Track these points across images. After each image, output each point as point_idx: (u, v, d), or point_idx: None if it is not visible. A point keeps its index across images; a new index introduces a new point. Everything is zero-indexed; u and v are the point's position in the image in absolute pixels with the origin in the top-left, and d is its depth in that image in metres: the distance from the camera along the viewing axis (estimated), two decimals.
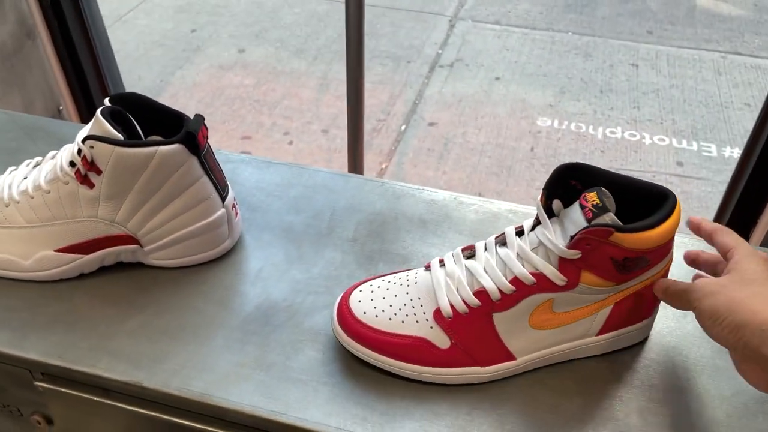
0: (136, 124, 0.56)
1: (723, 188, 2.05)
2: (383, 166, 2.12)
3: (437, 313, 0.49)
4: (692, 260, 0.53)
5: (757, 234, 1.05)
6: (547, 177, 0.47)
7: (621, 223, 0.45)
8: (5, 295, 0.57)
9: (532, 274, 0.47)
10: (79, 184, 0.54)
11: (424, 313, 0.50)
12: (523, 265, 0.47)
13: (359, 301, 0.51)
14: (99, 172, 0.53)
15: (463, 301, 0.49)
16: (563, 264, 0.46)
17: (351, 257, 0.62)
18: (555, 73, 2.67)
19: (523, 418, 0.49)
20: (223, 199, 0.59)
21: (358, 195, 0.68)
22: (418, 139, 2.24)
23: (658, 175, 2.08)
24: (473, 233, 0.64)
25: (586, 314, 0.49)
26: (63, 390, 0.54)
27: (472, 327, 0.49)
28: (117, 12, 3.04)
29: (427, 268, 0.52)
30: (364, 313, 0.51)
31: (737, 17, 2.98)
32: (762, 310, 0.40)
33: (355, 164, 1.27)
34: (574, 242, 0.45)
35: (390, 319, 0.50)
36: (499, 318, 0.48)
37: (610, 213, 0.45)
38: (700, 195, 2.02)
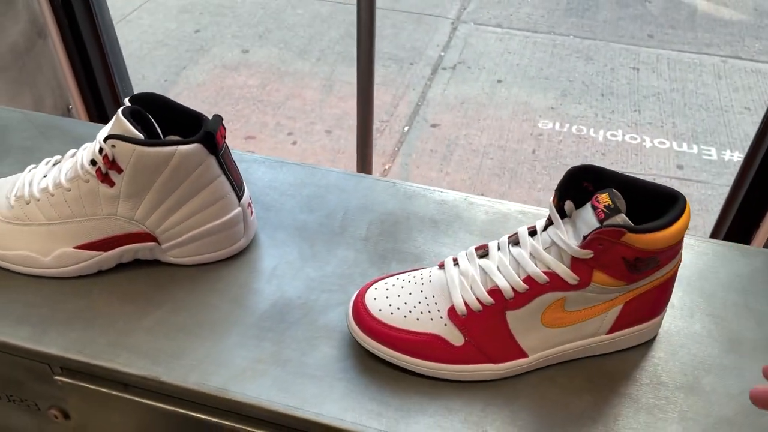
0: (155, 123, 0.57)
1: (723, 191, 2.07)
2: (386, 167, 2.13)
3: (451, 311, 0.50)
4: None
5: (759, 238, 1.06)
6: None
7: (632, 224, 0.46)
8: (25, 292, 0.58)
9: (545, 273, 0.48)
10: (100, 182, 0.55)
11: (439, 310, 0.51)
12: (536, 265, 0.48)
13: (374, 299, 0.52)
14: (120, 170, 0.54)
15: (477, 299, 0.50)
16: (575, 263, 0.47)
17: (364, 256, 0.63)
18: (556, 76, 2.68)
19: (535, 414, 0.50)
20: (240, 197, 0.60)
21: (370, 195, 0.70)
22: (420, 140, 2.26)
23: (658, 177, 2.10)
24: (484, 233, 0.65)
25: (597, 313, 0.50)
26: (82, 384, 0.55)
27: (486, 324, 0.50)
28: (121, 12, 3.05)
29: (441, 266, 0.54)
30: (380, 310, 0.52)
31: (738, 22, 2.99)
32: None
33: (364, 165, 1.28)
34: (586, 242, 0.46)
35: (405, 316, 0.51)
36: (512, 316, 0.50)
37: (622, 214, 0.46)
38: (700, 198, 2.03)
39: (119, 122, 0.54)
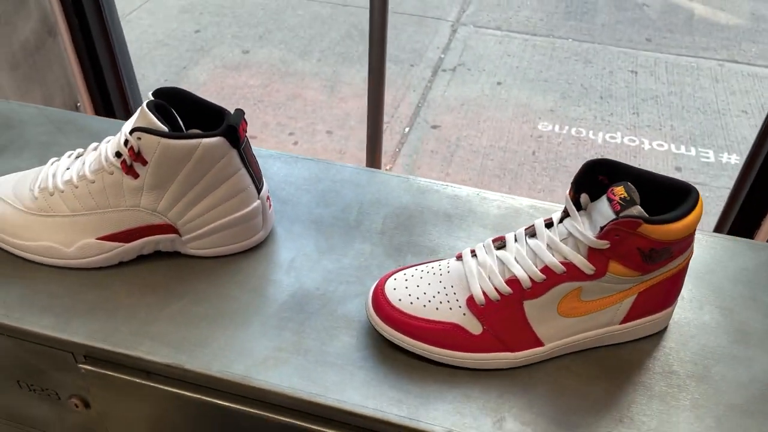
0: (178, 117, 0.58)
1: (721, 193, 2.09)
2: (388, 168, 2.14)
3: (470, 300, 0.52)
4: None
5: (762, 234, 1.07)
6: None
7: (648, 216, 0.47)
8: (48, 282, 0.59)
9: (562, 263, 0.49)
10: (124, 174, 0.56)
11: (457, 300, 0.52)
12: (553, 255, 0.50)
13: (394, 289, 0.54)
14: (144, 162, 0.55)
15: (495, 288, 0.51)
16: (592, 254, 0.49)
17: (380, 249, 0.64)
18: (556, 78, 2.70)
19: (551, 402, 0.51)
20: (259, 191, 0.61)
21: (384, 190, 0.71)
22: (421, 141, 2.27)
23: None
24: (497, 227, 0.66)
25: (612, 303, 0.51)
26: (105, 372, 0.56)
27: (504, 314, 0.51)
28: (121, 11, 3.04)
29: (459, 258, 0.55)
30: (399, 300, 0.53)
31: (734, 26, 3.03)
32: None
33: (372, 163, 1.29)
34: (603, 233, 0.47)
35: (424, 305, 0.53)
36: (529, 305, 0.51)
37: (638, 206, 0.47)
38: None
39: (144, 115, 0.55)
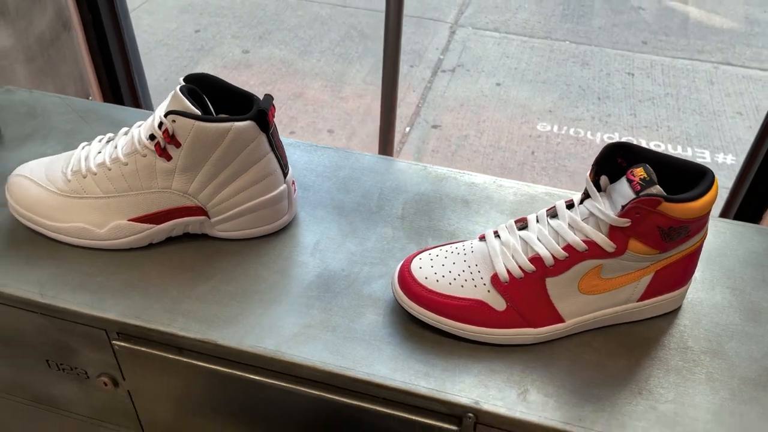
0: (208, 102, 0.60)
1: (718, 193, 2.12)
2: None
3: (494, 278, 0.54)
4: None
5: (765, 223, 1.10)
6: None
7: (667, 195, 0.50)
8: (80, 262, 0.61)
9: (584, 241, 0.51)
10: (157, 156, 0.58)
11: (482, 278, 0.54)
12: (575, 234, 0.52)
13: (420, 268, 0.56)
14: (178, 145, 0.57)
15: (519, 266, 0.53)
16: (613, 232, 0.51)
17: (401, 232, 0.66)
18: (554, 80, 2.73)
19: (572, 375, 0.53)
20: (285, 175, 0.63)
21: (403, 177, 0.73)
22: (422, 140, 2.29)
23: None
24: (514, 213, 0.68)
25: (630, 281, 0.54)
26: (139, 348, 0.57)
27: (527, 291, 0.53)
28: None
29: (482, 239, 0.57)
30: (426, 278, 0.55)
31: (729, 29, 3.07)
32: None
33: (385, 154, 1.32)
34: (625, 211, 0.49)
35: (450, 283, 0.54)
36: (551, 282, 0.53)
37: (657, 185, 0.49)
38: None
39: (177, 99, 0.57)
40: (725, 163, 2.24)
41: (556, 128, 2.40)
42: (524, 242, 0.54)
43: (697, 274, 0.62)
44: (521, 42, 2.98)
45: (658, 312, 0.57)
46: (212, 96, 0.61)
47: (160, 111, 0.58)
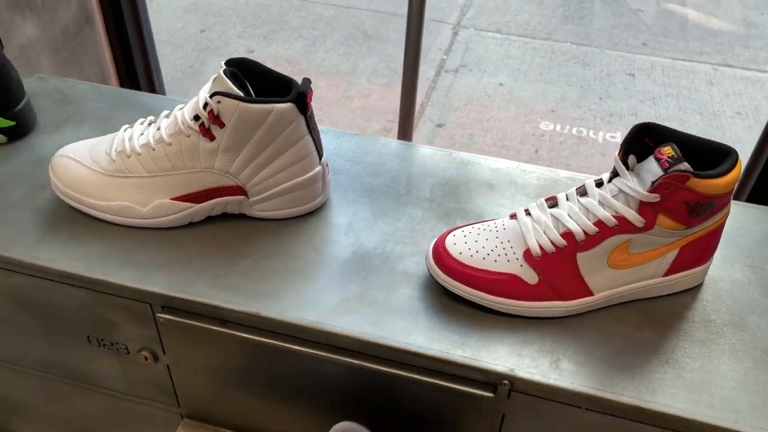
0: (248, 85, 0.62)
1: None
2: None
3: (527, 253, 0.56)
4: None
5: None
6: None
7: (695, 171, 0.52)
8: (123, 240, 0.63)
9: (614, 216, 0.54)
10: (201, 136, 0.60)
11: (514, 253, 0.57)
12: (605, 210, 0.54)
13: (454, 244, 0.58)
14: (222, 125, 0.59)
15: (551, 241, 0.55)
16: (642, 207, 0.53)
17: (430, 214, 0.68)
18: (555, 80, 2.77)
19: (602, 346, 0.56)
20: (320, 157, 0.65)
21: (429, 162, 0.75)
22: (427, 139, 2.32)
23: None
24: (538, 196, 0.71)
25: (657, 256, 0.56)
26: (183, 321, 0.59)
27: (558, 265, 0.56)
28: None
29: (512, 217, 0.59)
30: (460, 253, 0.57)
31: (727, 32, 3.12)
32: None
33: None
34: (655, 186, 0.52)
35: (484, 258, 0.57)
36: (581, 257, 0.55)
37: (685, 162, 0.52)
38: None
39: (221, 81, 0.59)
40: None
41: (558, 127, 2.43)
42: (555, 219, 0.56)
43: (717, 253, 0.64)
44: (523, 43, 3.02)
45: (681, 287, 0.59)
46: (251, 80, 0.63)
47: (203, 93, 0.60)
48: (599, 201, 0.55)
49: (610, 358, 0.55)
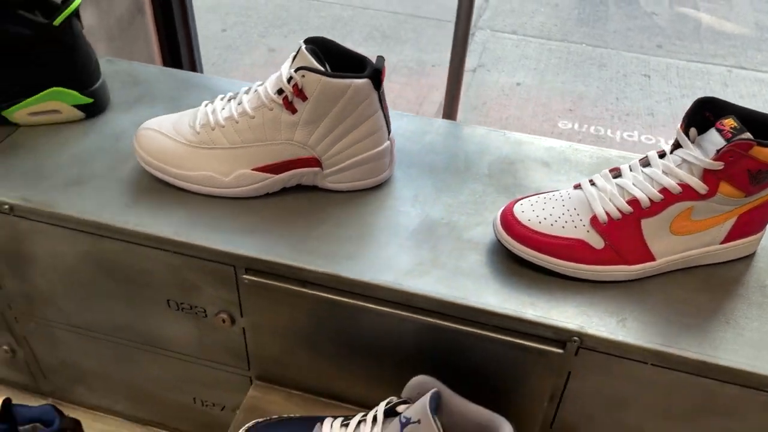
0: (325, 62, 0.66)
1: None
2: None
3: (593, 220, 0.60)
4: None
5: None
6: None
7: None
8: (206, 207, 0.67)
9: (678, 184, 0.57)
10: (284, 109, 0.64)
11: (581, 220, 0.60)
12: (669, 178, 0.58)
13: (522, 212, 0.61)
14: (305, 98, 0.63)
15: (617, 208, 0.59)
16: (706, 175, 0.57)
17: (491, 188, 0.72)
18: (572, 80, 2.81)
19: (664, 308, 0.59)
20: (389, 132, 0.69)
21: (485, 142, 0.79)
22: None
23: None
24: (592, 173, 0.74)
25: (716, 223, 0.60)
26: (266, 282, 0.63)
27: (623, 231, 0.59)
28: None
29: (577, 187, 0.63)
30: (529, 220, 0.61)
31: (740, 35, 3.15)
32: None
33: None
34: (720, 154, 0.55)
35: (552, 225, 0.60)
36: (645, 223, 0.59)
37: (747, 132, 0.56)
38: None
39: (303, 57, 0.63)
40: None
41: (576, 126, 2.47)
42: (620, 188, 0.60)
43: None
44: (539, 44, 3.06)
45: (737, 255, 0.63)
46: (327, 58, 0.67)
47: (285, 69, 0.64)
48: (663, 170, 0.59)
49: (674, 318, 0.58)
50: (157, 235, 0.64)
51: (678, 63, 2.92)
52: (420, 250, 0.64)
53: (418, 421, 0.56)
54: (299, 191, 0.70)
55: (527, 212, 0.61)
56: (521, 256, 0.61)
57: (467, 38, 1.17)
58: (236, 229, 0.65)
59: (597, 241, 0.60)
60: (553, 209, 0.61)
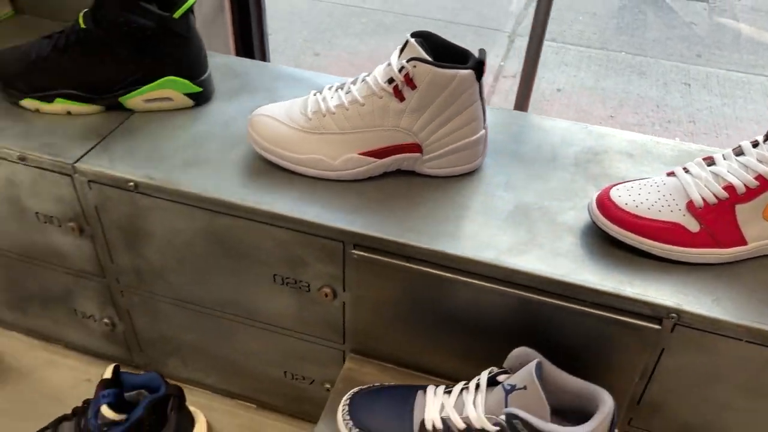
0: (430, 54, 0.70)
1: None
2: None
3: (690, 204, 0.63)
4: None
5: None
6: None
7: None
8: (316, 189, 0.71)
9: None
10: (393, 97, 0.68)
11: (677, 204, 0.64)
12: (765, 166, 0.61)
13: (619, 196, 0.65)
14: (414, 87, 0.67)
15: (713, 194, 0.62)
16: None
17: (578, 176, 0.76)
18: (612, 87, 2.83)
19: (757, 289, 0.62)
20: (484, 121, 0.73)
21: (568, 134, 0.83)
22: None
23: None
24: (676, 164, 0.77)
25: None
26: (373, 257, 0.67)
27: (718, 215, 0.63)
28: None
29: (670, 174, 0.66)
30: (626, 204, 0.64)
31: None
32: None
33: None
34: None
35: (648, 208, 0.64)
36: (740, 209, 0.62)
37: None
38: None
39: (413, 48, 0.67)
40: None
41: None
42: (715, 175, 0.63)
43: None
44: (578, 52, 3.08)
45: None
46: (430, 50, 0.71)
47: (394, 60, 0.69)
48: (757, 158, 0.62)
49: (766, 299, 0.61)
50: (272, 212, 0.68)
51: (718, 72, 2.92)
52: (517, 231, 0.68)
53: (524, 387, 0.59)
54: (398, 175, 0.74)
55: (624, 197, 0.65)
56: (618, 238, 0.65)
57: (541, 46, 1.22)
58: (344, 209, 0.69)
59: (693, 225, 0.63)
60: (649, 194, 0.65)
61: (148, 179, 0.71)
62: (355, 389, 0.69)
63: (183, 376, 0.93)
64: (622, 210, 0.64)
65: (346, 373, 0.76)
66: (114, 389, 0.77)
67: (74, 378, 0.95)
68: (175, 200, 0.71)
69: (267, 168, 0.74)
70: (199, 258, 0.76)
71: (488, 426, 0.60)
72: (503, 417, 0.59)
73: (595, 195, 0.67)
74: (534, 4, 1.38)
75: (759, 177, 0.61)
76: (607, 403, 0.59)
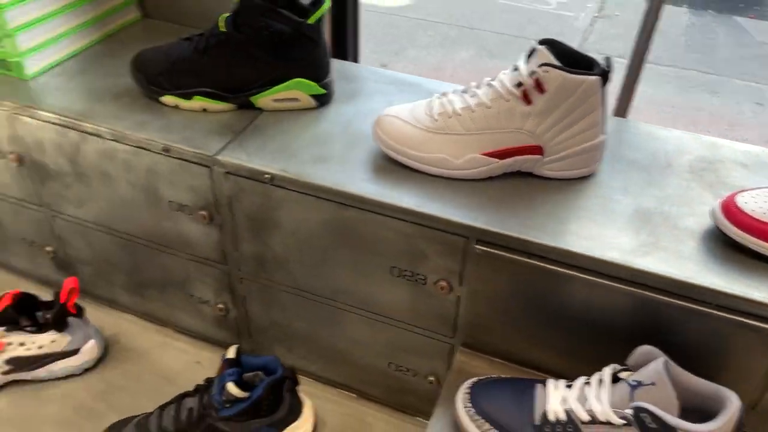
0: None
1: None
2: None
3: None
4: None
5: None
6: None
7: None
8: (439, 186, 0.74)
9: None
10: (520, 100, 0.71)
11: None
12: None
13: (745, 203, 0.66)
14: (542, 91, 0.70)
15: None
16: None
17: (694, 184, 0.77)
18: (683, 104, 2.80)
19: None
20: (604, 127, 0.75)
21: (680, 143, 0.84)
22: None
23: None
24: None
25: None
26: (496, 252, 0.70)
27: None
28: None
29: None
30: (753, 210, 0.66)
31: None
32: None
33: None
34: None
35: None
36: None
37: None
38: None
39: (543, 55, 0.70)
40: None
41: None
42: None
43: None
44: (648, 68, 3.04)
45: None
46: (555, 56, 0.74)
47: (522, 66, 0.72)
48: None
49: None
50: (399, 206, 0.72)
51: None
52: (639, 234, 0.69)
53: (652, 383, 0.61)
54: (516, 176, 0.77)
55: (750, 203, 0.66)
56: (744, 243, 0.66)
57: (644, 58, 1.24)
58: (466, 206, 0.72)
59: None
60: None
61: (283, 172, 0.76)
62: (473, 379, 0.72)
63: (288, 363, 0.97)
64: (749, 216, 0.65)
65: (457, 365, 0.79)
66: (237, 369, 0.82)
67: (185, 361, 1.00)
68: (306, 192, 0.76)
69: (389, 166, 0.77)
70: (320, 249, 0.80)
71: (614, 419, 0.61)
72: (630, 411, 0.60)
73: (717, 201, 0.69)
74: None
75: None
76: (734, 402, 0.60)
